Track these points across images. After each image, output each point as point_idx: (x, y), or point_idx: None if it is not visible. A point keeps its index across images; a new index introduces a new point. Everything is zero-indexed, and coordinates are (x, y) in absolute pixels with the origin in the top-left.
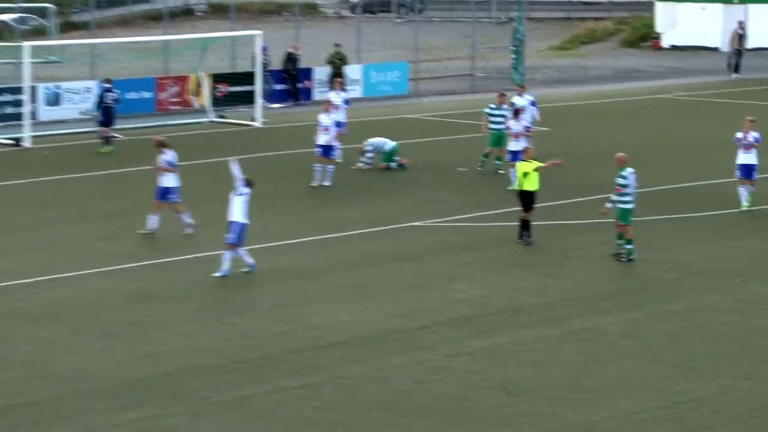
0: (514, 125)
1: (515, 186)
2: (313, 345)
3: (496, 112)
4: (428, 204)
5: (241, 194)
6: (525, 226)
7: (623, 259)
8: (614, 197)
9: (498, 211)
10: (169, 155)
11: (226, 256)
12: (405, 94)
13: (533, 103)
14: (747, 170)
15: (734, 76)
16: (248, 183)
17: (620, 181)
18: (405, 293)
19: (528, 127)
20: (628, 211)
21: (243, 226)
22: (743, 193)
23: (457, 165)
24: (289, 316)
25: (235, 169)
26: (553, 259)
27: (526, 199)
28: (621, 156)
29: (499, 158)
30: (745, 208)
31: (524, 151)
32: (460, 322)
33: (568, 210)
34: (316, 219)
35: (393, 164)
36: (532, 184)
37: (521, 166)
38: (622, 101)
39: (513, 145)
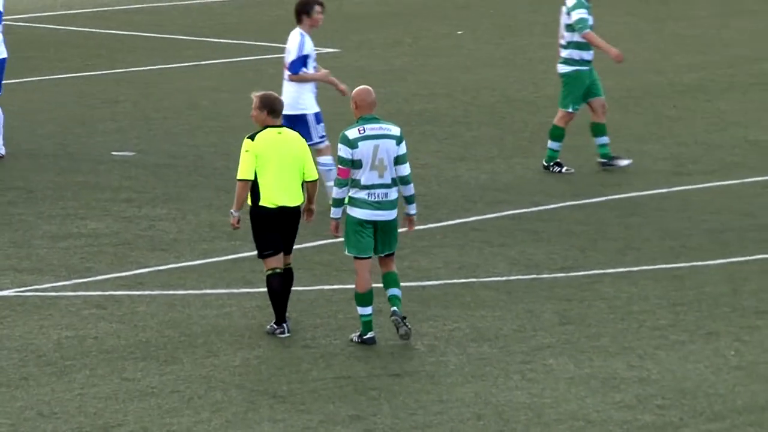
0: None
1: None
2: None
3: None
4: (43, 245)
5: None
6: (282, 293)
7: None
8: (334, 190)
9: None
10: None
11: None
12: None
13: None
14: None
15: None
16: None
17: (339, 151)
18: None
19: None
20: (383, 225)
21: None
22: None
23: (110, 148)
24: None
25: None
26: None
27: (286, 221)
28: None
29: (599, 128)
30: None
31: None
32: None
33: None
34: None
35: None
36: (296, 192)
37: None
38: None
39: None
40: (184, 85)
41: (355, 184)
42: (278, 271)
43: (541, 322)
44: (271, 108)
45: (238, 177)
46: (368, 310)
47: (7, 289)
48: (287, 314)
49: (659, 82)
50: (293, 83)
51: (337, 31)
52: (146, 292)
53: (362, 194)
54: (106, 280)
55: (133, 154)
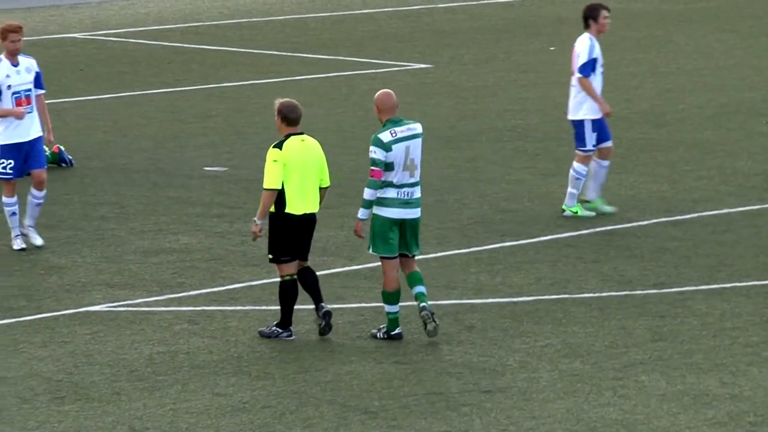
0: None
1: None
2: None
3: None
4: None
5: None
6: (315, 295)
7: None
8: (366, 191)
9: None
10: None
11: None
12: None
13: None
14: None
15: None
16: None
17: (372, 153)
18: None
19: None
20: (409, 223)
21: None
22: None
23: (202, 163)
24: None
25: None
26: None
27: (307, 228)
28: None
29: None
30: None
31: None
32: None
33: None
34: None
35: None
36: (316, 198)
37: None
38: None
39: None
40: None
41: (386, 184)
42: (294, 277)
43: (634, 339)
44: (285, 116)
45: (266, 186)
46: (396, 308)
47: (100, 304)
48: (327, 308)
49: (752, 98)
50: (579, 89)
51: (429, 46)
52: (238, 308)
53: (392, 193)
54: (198, 296)
55: (225, 169)
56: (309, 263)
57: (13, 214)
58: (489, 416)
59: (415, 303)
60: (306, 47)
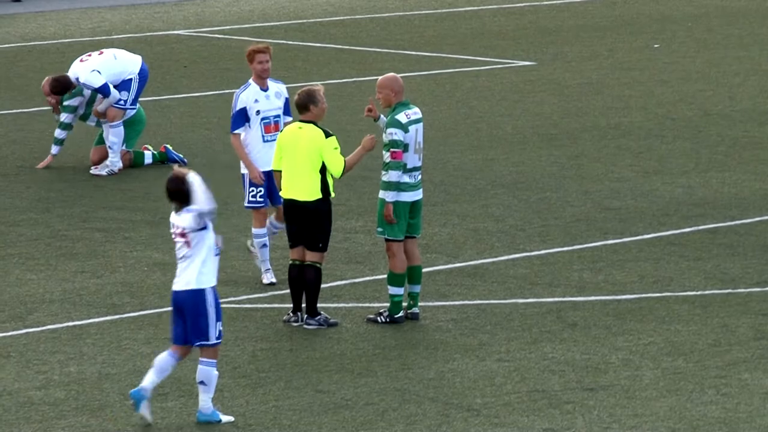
0: None
1: None
2: None
3: None
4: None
5: None
6: (309, 297)
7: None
8: (392, 174)
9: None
10: None
11: None
12: None
13: None
14: None
15: None
16: None
17: (393, 135)
18: None
19: None
20: (416, 205)
21: None
22: None
23: None
24: None
25: None
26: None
27: (297, 215)
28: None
29: None
30: None
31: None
32: None
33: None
34: None
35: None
36: (308, 187)
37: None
38: None
39: None
40: None
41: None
42: (296, 262)
43: (737, 337)
44: (295, 102)
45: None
46: (401, 290)
47: None
48: (323, 312)
49: None
50: None
51: (533, 44)
52: (341, 305)
53: (406, 178)
54: None
55: None
56: (320, 258)
57: (264, 245)
58: (591, 414)
59: (520, 301)
60: (410, 44)
